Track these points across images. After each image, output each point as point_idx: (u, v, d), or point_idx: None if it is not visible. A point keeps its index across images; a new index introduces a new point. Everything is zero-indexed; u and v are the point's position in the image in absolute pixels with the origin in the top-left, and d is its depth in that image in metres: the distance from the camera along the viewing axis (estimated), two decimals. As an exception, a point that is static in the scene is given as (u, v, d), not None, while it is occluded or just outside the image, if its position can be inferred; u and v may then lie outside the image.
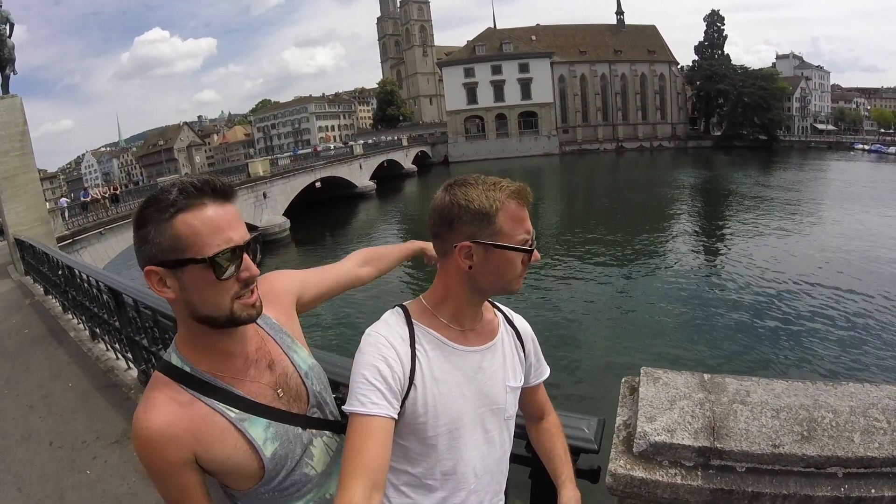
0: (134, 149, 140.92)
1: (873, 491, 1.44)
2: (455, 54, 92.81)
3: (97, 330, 6.13)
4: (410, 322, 1.38)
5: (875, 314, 15.57)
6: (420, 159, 76.95)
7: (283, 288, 1.52)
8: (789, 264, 21.00)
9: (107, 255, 21.00)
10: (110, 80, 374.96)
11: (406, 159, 71.22)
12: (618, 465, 1.58)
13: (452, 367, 1.37)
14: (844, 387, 1.73)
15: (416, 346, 1.34)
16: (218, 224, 1.15)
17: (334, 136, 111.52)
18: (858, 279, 18.69)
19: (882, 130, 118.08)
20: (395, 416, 1.27)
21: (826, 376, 11.87)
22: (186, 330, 1.27)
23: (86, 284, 6.11)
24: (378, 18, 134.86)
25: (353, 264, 1.80)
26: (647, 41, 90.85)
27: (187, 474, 1.19)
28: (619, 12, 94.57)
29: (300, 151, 75.41)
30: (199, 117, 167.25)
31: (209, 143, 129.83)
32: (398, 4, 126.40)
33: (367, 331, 1.37)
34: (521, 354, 1.54)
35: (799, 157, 75.60)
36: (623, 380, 1.94)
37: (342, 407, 1.30)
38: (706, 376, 1.83)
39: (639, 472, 1.54)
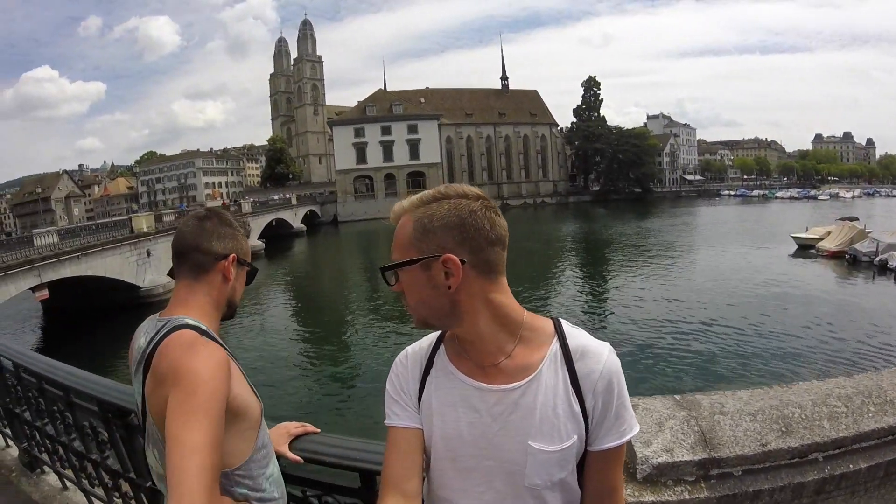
0: (9, 196, 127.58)
1: (851, 466, 1.63)
2: (346, 114, 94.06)
3: (-34, 402, 5.32)
4: (438, 345, 1.31)
5: (749, 326, 18.30)
6: (309, 218, 75.68)
7: None
8: (674, 302, 22.96)
9: (-25, 313, 18.71)
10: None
11: (295, 218, 69.80)
12: (625, 495, 1.56)
13: (458, 402, 1.21)
14: (798, 385, 1.91)
15: (431, 370, 1.28)
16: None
17: (222, 193, 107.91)
18: (733, 306, 21.51)
19: (745, 177, 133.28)
20: (419, 426, 1.25)
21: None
22: (205, 314, 1.50)
23: (-51, 348, 5.27)
24: (271, 75, 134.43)
25: None
26: (530, 104, 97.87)
27: (223, 410, 1.27)
28: (504, 77, 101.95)
29: (186, 207, 72.27)
30: (81, 166, 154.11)
31: (89, 195, 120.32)
32: (291, 62, 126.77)
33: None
34: (577, 408, 1.16)
35: (671, 205, 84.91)
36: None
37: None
38: (677, 396, 1.89)
39: (648, 497, 1.56)
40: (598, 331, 19.61)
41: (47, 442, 3.30)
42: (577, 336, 1.21)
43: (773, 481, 1.57)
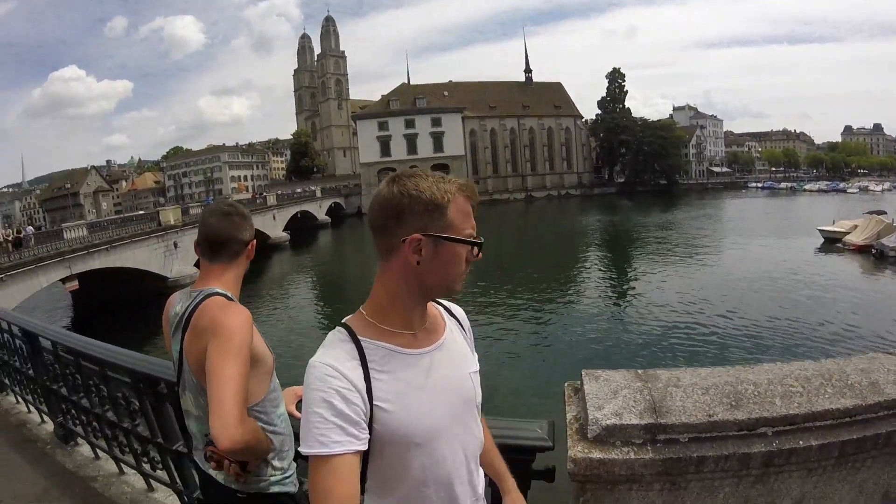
0: (38, 191, 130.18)
1: (801, 443, 1.70)
2: (370, 108, 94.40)
3: (6, 380, 5.67)
4: (356, 340, 1.27)
5: (765, 318, 18.34)
6: (334, 211, 76.22)
7: None
8: (692, 291, 22.94)
9: (7, 304, 18.55)
10: (19, 118, 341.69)
11: (320, 210, 70.43)
12: (576, 451, 1.71)
13: (415, 374, 1.30)
14: (760, 366, 2.01)
15: (369, 364, 1.25)
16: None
17: (247, 187, 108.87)
18: (749, 296, 21.52)
19: (773, 169, 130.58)
20: (363, 447, 1.20)
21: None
22: (232, 286, 1.93)
23: (-6, 328, 5.62)
24: (295, 71, 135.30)
25: None
26: (554, 97, 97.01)
27: (249, 354, 1.72)
28: (528, 70, 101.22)
29: (212, 200, 73.20)
30: (108, 162, 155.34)
31: (117, 189, 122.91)
32: (315, 58, 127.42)
33: (311, 361, 1.25)
34: (467, 340, 1.53)
35: (697, 197, 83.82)
36: (566, 384, 2.11)
37: (298, 448, 1.21)
38: (640, 371, 2.04)
39: (597, 454, 1.69)
40: (615, 321, 19.81)
41: (82, 415, 3.56)
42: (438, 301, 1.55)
43: (719, 450, 1.68)
